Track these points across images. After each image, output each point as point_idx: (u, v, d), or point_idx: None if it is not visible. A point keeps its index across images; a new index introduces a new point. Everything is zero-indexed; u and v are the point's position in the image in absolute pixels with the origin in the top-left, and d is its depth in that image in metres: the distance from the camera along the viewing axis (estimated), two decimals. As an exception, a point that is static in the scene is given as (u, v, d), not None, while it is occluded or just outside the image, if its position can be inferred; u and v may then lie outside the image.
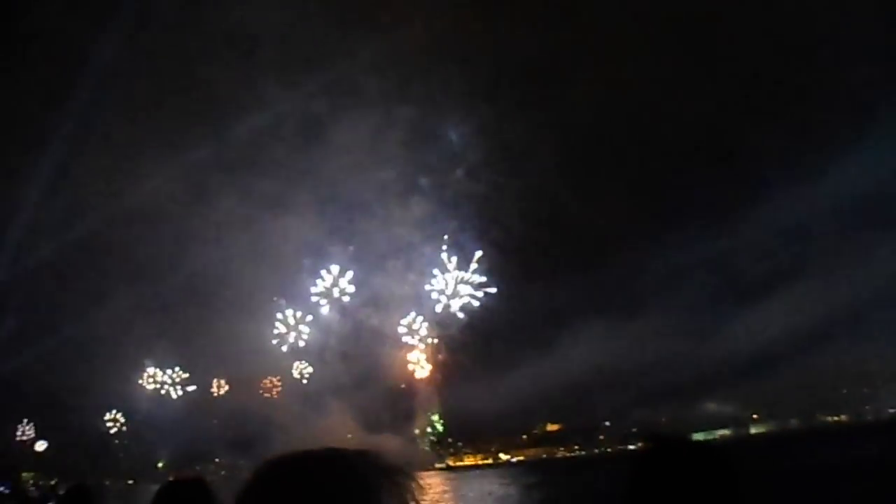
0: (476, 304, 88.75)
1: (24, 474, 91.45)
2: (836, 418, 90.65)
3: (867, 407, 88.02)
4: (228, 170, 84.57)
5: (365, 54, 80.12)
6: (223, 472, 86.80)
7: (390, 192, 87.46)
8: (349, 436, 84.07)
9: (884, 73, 75.78)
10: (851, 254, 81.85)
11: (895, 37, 77.50)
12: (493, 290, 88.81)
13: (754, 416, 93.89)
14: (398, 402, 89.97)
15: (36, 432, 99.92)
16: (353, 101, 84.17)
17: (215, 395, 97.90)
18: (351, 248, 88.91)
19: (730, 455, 2.18)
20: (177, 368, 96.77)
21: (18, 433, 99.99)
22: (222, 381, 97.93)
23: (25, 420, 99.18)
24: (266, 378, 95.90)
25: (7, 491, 74.57)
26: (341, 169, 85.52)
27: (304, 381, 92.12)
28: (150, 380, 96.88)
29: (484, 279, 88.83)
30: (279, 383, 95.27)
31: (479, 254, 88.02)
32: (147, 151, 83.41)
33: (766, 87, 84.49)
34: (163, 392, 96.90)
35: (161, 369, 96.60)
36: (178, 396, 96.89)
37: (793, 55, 78.76)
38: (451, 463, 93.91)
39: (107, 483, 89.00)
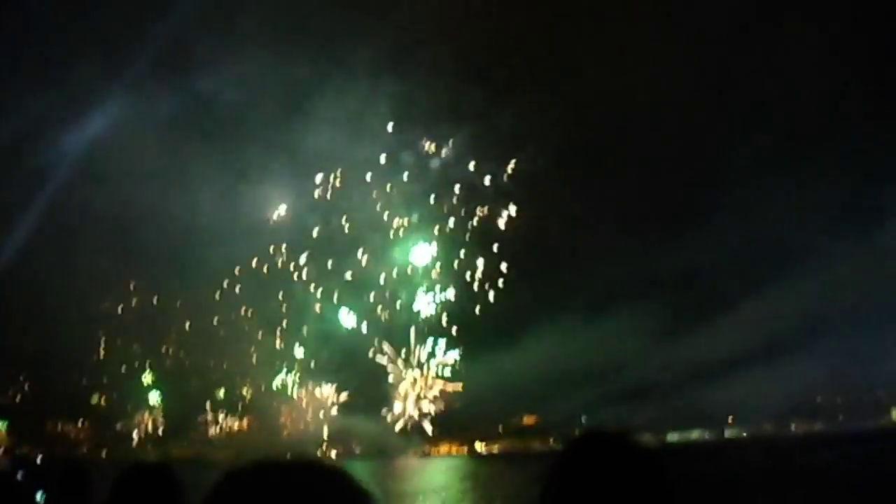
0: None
1: None
2: (809, 426, 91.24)
3: (840, 417, 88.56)
4: (205, 134, 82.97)
5: (352, 25, 78.92)
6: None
7: (372, 169, 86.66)
8: (322, 418, 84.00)
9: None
10: (824, 262, 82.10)
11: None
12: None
13: (729, 418, 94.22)
14: (372, 387, 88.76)
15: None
16: (338, 72, 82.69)
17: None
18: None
19: (663, 457, 2.10)
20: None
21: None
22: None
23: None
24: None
25: None
26: (323, 142, 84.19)
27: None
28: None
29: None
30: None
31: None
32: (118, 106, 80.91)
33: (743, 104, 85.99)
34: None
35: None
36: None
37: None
38: (425, 451, 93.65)
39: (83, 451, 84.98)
